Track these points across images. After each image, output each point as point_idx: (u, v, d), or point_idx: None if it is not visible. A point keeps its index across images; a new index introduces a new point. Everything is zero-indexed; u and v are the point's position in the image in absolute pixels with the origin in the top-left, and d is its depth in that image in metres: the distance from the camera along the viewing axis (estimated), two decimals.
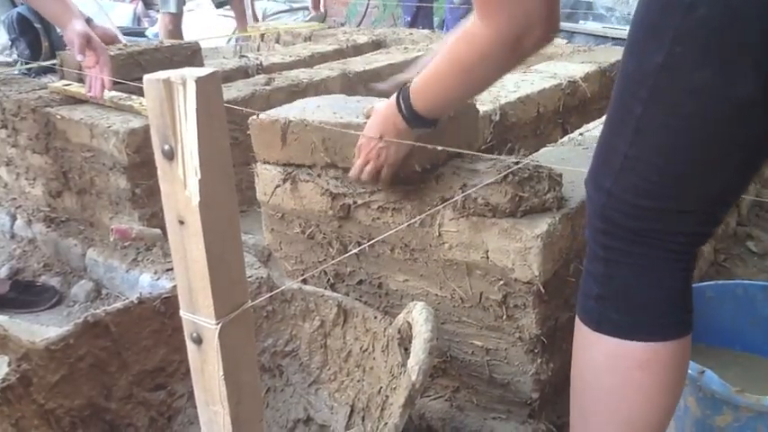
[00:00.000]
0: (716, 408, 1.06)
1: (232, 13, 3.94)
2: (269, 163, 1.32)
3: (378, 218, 1.23)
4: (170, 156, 0.49)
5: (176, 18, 3.40)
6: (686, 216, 0.79)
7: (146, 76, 0.48)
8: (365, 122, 1.13)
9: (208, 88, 0.48)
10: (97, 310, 1.14)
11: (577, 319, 0.88)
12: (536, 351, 1.16)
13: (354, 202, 1.24)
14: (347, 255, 1.29)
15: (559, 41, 2.80)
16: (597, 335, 0.84)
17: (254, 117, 1.30)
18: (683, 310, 0.83)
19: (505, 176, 1.09)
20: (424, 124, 1.03)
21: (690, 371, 1.04)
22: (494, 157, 1.18)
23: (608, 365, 0.83)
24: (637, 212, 0.80)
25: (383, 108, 1.06)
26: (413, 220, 1.16)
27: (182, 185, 0.49)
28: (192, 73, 0.47)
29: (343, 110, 1.26)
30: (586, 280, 0.86)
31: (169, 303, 1.17)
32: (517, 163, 1.11)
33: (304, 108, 1.30)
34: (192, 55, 2.18)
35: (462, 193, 1.11)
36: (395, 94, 1.04)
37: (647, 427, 0.85)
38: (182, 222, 0.51)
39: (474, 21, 0.88)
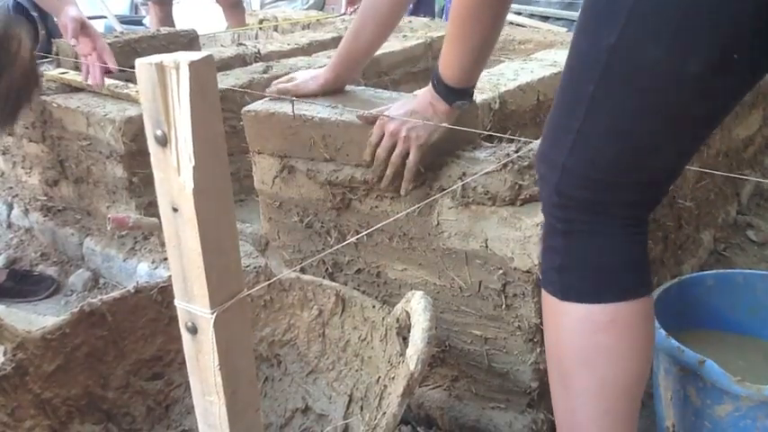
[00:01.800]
0: (716, 397, 1.05)
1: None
2: (261, 154, 1.31)
3: (376, 206, 1.22)
4: (163, 142, 0.48)
5: (166, 6, 3.35)
6: (637, 186, 0.84)
7: (138, 60, 0.47)
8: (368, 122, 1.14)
9: (202, 72, 0.46)
10: (94, 300, 1.13)
11: (544, 293, 0.91)
12: (535, 340, 1.15)
13: (354, 193, 1.23)
14: (345, 243, 1.28)
15: (559, 29, 2.78)
16: (563, 303, 0.87)
17: (249, 109, 1.29)
18: (640, 271, 0.88)
19: (505, 165, 1.08)
20: (459, 95, 1.08)
21: (689, 360, 1.04)
22: (495, 145, 1.17)
23: (576, 330, 0.87)
24: (591, 185, 0.83)
25: (419, 96, 1.13)
26: (411, 209, 1.15)
27: (175, 172, 0.48)
28: (185, 57, 0.46)
29: (342, 104, 1.24)
30: (547, 253, 0.90)
31: (166, 292, 1.16)
32: (517, 151, 1.10)
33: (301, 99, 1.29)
34: (189, 43, 2.16)
35: (461, 181, 1.11)
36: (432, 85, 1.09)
37: (622, 389, 0.88)
38: (176, 210, 0.50)
39: None
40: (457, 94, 1.07)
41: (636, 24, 0.74)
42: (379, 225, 1.19)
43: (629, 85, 0.77)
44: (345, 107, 1.22)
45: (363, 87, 1.40)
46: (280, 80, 1.36)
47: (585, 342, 0.87)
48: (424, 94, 1.11)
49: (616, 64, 0.77)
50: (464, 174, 1.12)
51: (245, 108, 1.30)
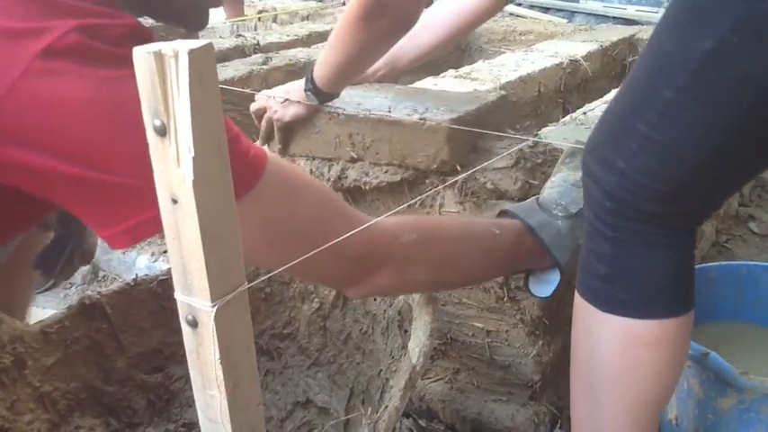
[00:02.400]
0: (720, 390, 1.05)
1: None
2: (288, 154, 1.27)
3: (377, 199, 1.22)
4: (162, 132, 0.47)
5: None
6: (698, 199, 0.79)
7: (136, 49, 0.46)
8: (401, 118, 1.14)
9: (201, 61, 0.45)
10: (93, 292, 1.12)
11: (579, 300, 0.87)
12: (537, 333, 1.15)
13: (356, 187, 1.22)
14: (346, 236, 1.27)
15: (560, 20, 2.77)
16: (605, 314, 0.83)
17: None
18: (688, 286, 0.84)
19: (517, 162, 1.07)
20: (322, 97, 1.15)
21: (692, 352, 1.03)
22: (510, 136, 1.15)
23: (617, 344, 0.83)
24: (652, 195, 0.78)
25: (297, 85, 1.21)
26: (413, 201, 1.14)
27: (175, 163, 0.47)
28: (184, 45, 0.45)
29: (366, 101, 1.21)
30: (589, 260, 0.85)
31: (166, 285, 1.15)
32: (534, 146, 1.09)
33: None
34: (187, 33, 2.15)
35: (462, 174, 1.10)
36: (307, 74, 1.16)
37: (653, 403, 0.85)
38: (175, 201, 0.49)
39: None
40: (321, 95, 1.15)
41: (744, 32, 0.67)
42: (380, 217, 1.18)
43: (721, 98, 0.72)
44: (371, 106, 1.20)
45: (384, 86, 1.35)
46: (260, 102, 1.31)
47: (625, 356, 0.83)
48: (299, 85, 1.19)
49: (709, 73, 0.71)
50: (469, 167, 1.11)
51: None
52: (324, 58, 1.11)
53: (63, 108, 0.65)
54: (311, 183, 0.82)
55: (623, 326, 0.82)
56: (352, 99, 1.22)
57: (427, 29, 1.30)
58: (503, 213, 1.04)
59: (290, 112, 1.21)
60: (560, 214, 1.00)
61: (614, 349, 0.83)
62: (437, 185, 1.13)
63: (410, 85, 1.44)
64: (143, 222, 0.68)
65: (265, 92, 1.26)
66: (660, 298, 0.82)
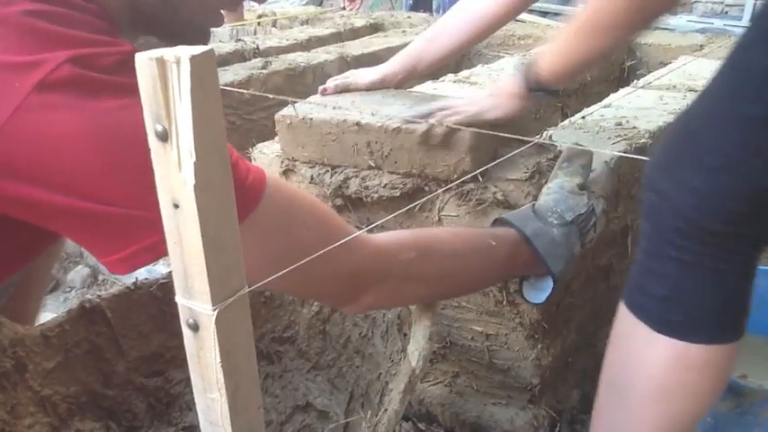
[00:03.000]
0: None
1: None
2: (298, 161, 1.25)
3: (376, 203, 1.22)
4: (164, 137, 0.47)
5: None
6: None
7: (138, 55, 0.46)
8: (419, 125, 1.10)
9: (203, 66, 0.46)
10: (93, 296, 1.13)
11: (628, 314, 0.85)
12: (536, 336, 1.15)
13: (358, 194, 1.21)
14: (345, 240, 1.27)
15: (558, 25, 2.77)
16: (656, 335, 0.82)
17: (284, 114, 1.23)
18: (744, 314, 0.83)
19: (531, 175, 1.07)
20: (544, 92, 1.06)
21: None
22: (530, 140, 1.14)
23: (663, 365, 0.82)
24: (732, 218, 0.75)
25: (499, 83, 1.12)
26: (412, 205, 1.14)
27: (176, 168, 0.48)
28: (186, 51, 0.46)
29: (384, 108, 1.18)
30: (647, 278, 0.83)
31: (166, 288, 1.15)
32: (553, 155, 1.07)
33: (337, 102, 1.23)
34: None
35: (461, 179, 1.10)
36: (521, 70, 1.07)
37: (688, 424, 0.85)
38: (176, 206, 0.49)
39: None
40: (543, 90, 1.05)
41: None
42: (379, 221, 1.18)
43: None
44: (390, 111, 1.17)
45: (400, 92, 1.33)
46: (335, 78, 1.32)
47: (671, 377, 0.82)
48: (506, 80, 1.10)
49: None
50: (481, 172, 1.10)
51: (279, 113, 1.24)
52: (557, 57, 1.02)
53: (58, 142, 0.65)
54: (310, 204, 0.82)
55: (674, 348, 0.81)
56: (370, 106, 1.19)
57: (447, 32, 1.28)
58: (498, 221, 1.04)
59: (494, 112, 1.09)
60: (555, 222, 1.01)
61: (660, 369, 0.82)
62: (438, 190, 1.13)
63: (425, 92, 1.43)
64: (141, 250, 0.69)
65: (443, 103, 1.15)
66: (716, 324, 0.81)
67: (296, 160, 1.25)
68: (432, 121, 1.08)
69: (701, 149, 0.77)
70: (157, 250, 0.68)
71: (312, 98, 1.29)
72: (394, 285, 0.88)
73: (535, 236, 0.99)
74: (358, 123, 1.14)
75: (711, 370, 0.81)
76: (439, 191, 1.13)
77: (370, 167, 1.17)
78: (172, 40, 0.85)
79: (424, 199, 1.15)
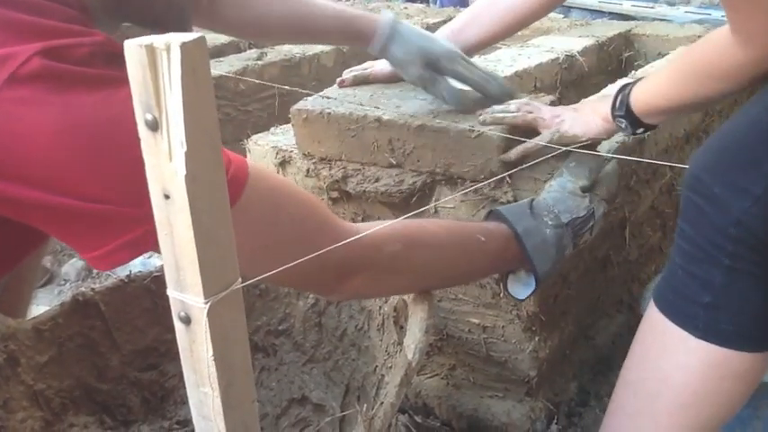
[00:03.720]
0: None
1: None
2: (313, 157, 1.22)
3: (372, 196, 1.21)
4: (154, 126, 0.46)
5: None
6: None
7: (127, 42, 0.45)
8: (448, 125, 1.06)
9: (194, 54, 0.45)
10: (86, 289, 1.12)
11: (664, 320, 0.84)
12: (534, 329, 1.14)
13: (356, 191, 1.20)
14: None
15: (556, 15, 2.76)
16: (698, 341, 0.81)
17: (300, 108, 1.19)
18: None
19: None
20: (634, 125, 0.97)
21: None
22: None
23: (701, 372, 0.81)
24: None
25: (591, 104, 1.06)
26: (421, 209, 1.13)
27: (167, 158, 0.47)
28: (176, 38, 0.45)
29: (406, 103, 1.15)
30: (690, 284, 0.82)
31: (160, 282, 1.15)
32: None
33: (355, 96, 1.20)
34: (182, 29, 2.14)
35: (465, 188, 1.09)
36: (615, 90, 0.99)
37: (715, 427, 0.84)
38: (167, 197, 0.48)
39: (725, 32, 0.78)
40: (634, 123, 0.96)
41: None
42: (366, 224, 1.17)
43: None
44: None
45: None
46: (354, 68, 1.29)
47: (707, 384, 0.81)
48: (598, 106, 1.03)
49: None
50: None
51: (295, 107, 1.21)
52: (656, 99, 0.93)
53: (31, 138, 0.63)
54: (295, 195, 0.80)
55: (717, 355, 0.80)
56: (390, 101, 1.16)
57: (477, 23, 1.24)
58: (492, 214, 1.03)
59: (582, 131, 1.03)
60: (550, 222, 0.99)
61: (698, 377, 0.81)
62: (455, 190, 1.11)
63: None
64: (121, 246, 0.68)
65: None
66: (760, 332, 0.80)
67: (312, 156, 1.22)
68: (517, 120, 1.05)
69: (759, 151, 0.75)
70: (138, 246, 0.67)
71: (328, 90, 1.27)
72: (377, 276, 0.87)
73: (527, 234, 0.97)
74: (379, 119, 1.11)
75: (749, 378, 0.81)
76: (465, 189, 1.09)
77: (390, 165, 1.14)
78: (149, 26, 0.84)
79: (446, 198, 1.13)
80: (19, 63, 0.63)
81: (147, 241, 0.66)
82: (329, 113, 1.16)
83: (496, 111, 1.07)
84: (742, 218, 0.75)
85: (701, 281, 0.80)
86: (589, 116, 1.04)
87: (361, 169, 1.17)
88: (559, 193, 1.03)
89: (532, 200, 1.03)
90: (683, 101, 0.89)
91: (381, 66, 1.26)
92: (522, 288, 1.02)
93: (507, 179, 1.07)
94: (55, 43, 0.65)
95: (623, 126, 0.99)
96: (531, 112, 1.07)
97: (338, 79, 1.28)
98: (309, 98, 1.22)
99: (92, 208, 0.65)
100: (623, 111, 0.97)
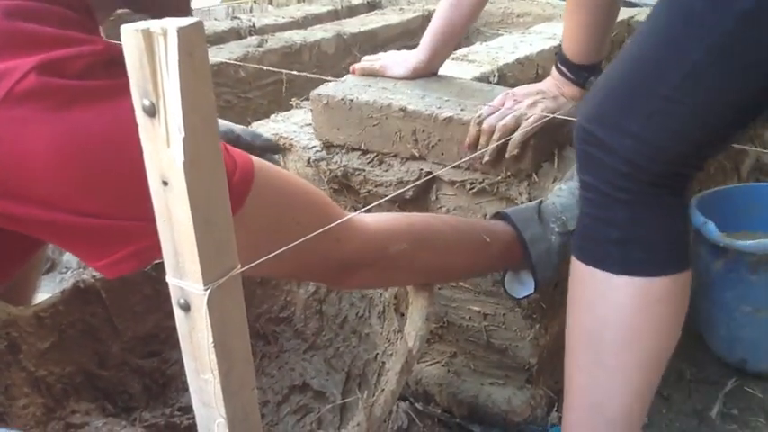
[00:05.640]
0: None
1: None
2: (332, 146, 1.20)
3: (374, 189, 1.20)
4: (151, 112, 0.46)
5: None
6: (704, 159, 0.83)
7: (123, 26, 0.45)
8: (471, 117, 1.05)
9: (191, 39, 0.44)
10: (87, 276, 1.12)
11: (584, 268, 0.87)
12: (534, 316, 1.15)
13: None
14: (342, 220, 1.26)
15: (558, 2, 2.75)
16: (620, 277, 0.84)
17: (320, 93, 1.17)
18: (689, 242, 0.87)
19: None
20: (590, 72, 1.06)
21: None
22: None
23: (633, 305, 0.84)
24: (672, 157, 0.79)
25: (545, 82, 1.11)
26: (407, 188, 1.13)
27: (164, 144, 0.46)
28: (173, 23, 0.44)
29: (430, 94, 1.12)
30: (596, 227, 0.85)
31: (161, 269, 1.14)
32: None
33: (378, 83, 1.17)
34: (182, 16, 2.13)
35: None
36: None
37: (662, 361, 0.87)
38: (165, 183, 0.48)
39: None
40: (587, 70, 1.05)
41: None
42: (375, 203, 1.17)
43: (755, 58, 0.71)
44: (445, 99, 1.11)
45: (451, 76, 1.27)
46: (367, 58, 1.27)
47: (641, 315, 0.84)
48: (550, 81, 1.09)
49: (742, 34, 0.71)
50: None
51: (315, 92, 1.18)
52: (573, 33, 1.05)
53: (31, 158, 0.62)
54: (302, 194, 0.79)
55: (640, 285, 0.83)
56: (414, 91, 1.13)
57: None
58: (498, 215, 1.03)
59: (555, 105, 1.07)
60: (557, 230, 1.00)
61: (630, 310, 0.84)
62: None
63: (470, 81, 1.35)
64: (125, 258, 0.67)
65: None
66: (674, 254, 0.84)
67: (330, 143, 1.20)
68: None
69: (637, 96, 0.79)
70: (141, 257, 0.67)
71: (348, 77, 1.24)
72: (380, 271, 0.88)
73: (533, 242, 0.98)
74: (404, 109, 1.08)
75: (675, 299, 0.85)
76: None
77: (413, 157, 1.12)
78: (148, 10, 0.82)
79: (420, 181, 1.13)
80: (15, 80, 0.61)
81: (154, 252, 0.65)
82: (351, 100, 1.13)
83: (487, 116, 1.05)
84: (629, 156, 0.79)
85: (608, 221, 0.84)
86: (556, 89, 1.10)
87: (365, 169, 1.16)
88: (568, 198, 1.03)
89: (541, 202, 1.03)
90: (597, 20, 1.02)
91: (391, 67, 1.23)
92: (519, 287, 1.03)
93: (534, 175, 1.06)
94: (52, 56, 0.63)
95: (572, 79, 1.08)
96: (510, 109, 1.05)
97: (351, 67, 1.27)
98: (330, 83, 1.19)
99: (95, 223, 0.65)
100: (575, 69, 1.07)
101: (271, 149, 1.14)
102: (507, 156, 1.03)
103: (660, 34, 0.79)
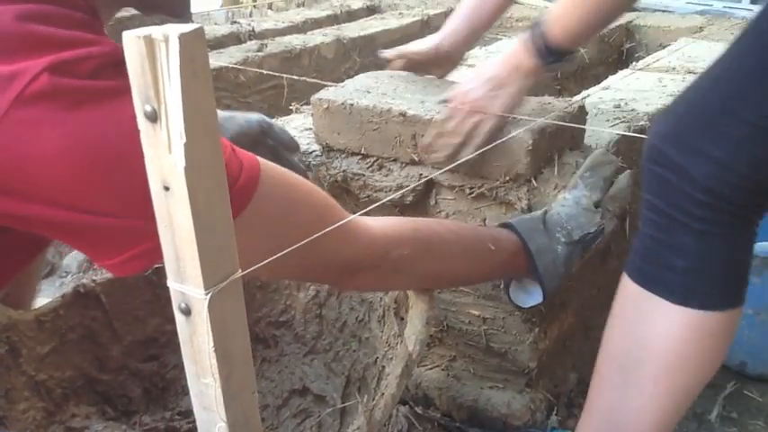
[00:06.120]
0: None
1: None
2: (332, 150, 1.20)
3: (373, 194, 1.20)
4: (153, 118, 0.46)
5: None
6: None
7: (125, 33, 0.45)
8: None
9: (192, 45, 0.45)
10: (87, 280, 1.12)
11: (638, 291, 0.85)
12: (534, 320, 1.15)
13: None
14: (341, 223, 1.26)
15: None
16: (675, 307, 0.82)
17: (320, 98, 1.17)
18: (747, 277, 0.85)
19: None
20: (558, 56, 0.98)
21: None
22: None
23: (683, 335, 0.82)
24: (755, 187, 0.75)
25: (503, 57, 1.02)
26: (407, 189, 1.13)
27: (166, 149, 0.47)
28: (175, 29, 0.45)
29: (430, 99, 1.12)
30: (659, 250, 0.83)
31: (161, 273, 1.14)
32: None
33: (378, 88, 1.18)
34: (181, 21, 2.13)
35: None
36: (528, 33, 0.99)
37: (697, 390, 0.86)
38: (167, 188, 0.48)
39: None
40: (556, 54, 0.98)
41: None
42: (374, 204, 1.17)
43: None
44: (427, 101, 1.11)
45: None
46: (389, 50, 1.26)
47: (690, 347, 0.82)
48: (510, 53, 1.01)
49: None
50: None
51: (316, 96, 1.18)
52: (565, 15, 0.97)
53: (43, 158, 0.63)
54: (306, 197, 0.79)
55: (696, 317, 0.81)
56: (413, 96, 1.14)
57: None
58: (504, 225, 1.02)
59: (499, 104, 1.01)
60: (562, 239, 0.99)
61: (680, 341, 0.82)
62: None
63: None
64: (134, 257, 0.68)
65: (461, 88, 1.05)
66: (734, 290, 0.82)
67: (330, 147, 1.20)
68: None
69: (720, 116, 0.75)
70: (150, 257, 0.68)
71: (348, 81, 1.24)
72: (382, 275, 0.88)
73: (539, 253, 0.97)
74: (404, 114, 1.08)
75: (726, 334, 0.83)
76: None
77: (413, 162, 1.12)
78: (149, 9, 0.83)
79: (420, 182, 1.13)
80: (27, 81, 0.62)
81: (162, 251, 0.66)
82: (352, 105, 1.13)
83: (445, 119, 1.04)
84: (708, 183, 0.76)
85: (674, 247, 0.81)
86: (515, 78, 1.02)
87: (364, 174, 1.16)
88: (573, 208, 1.02)
89: (545, 212, 1.02)
90: (598, 12, 0.94)
91: (420, 46, 1.22)
92: (525, 296, 1.03)
93: (534, 180, 1.06)
94: (64, 57, 0.64)
95: (556, 66, 1.00)
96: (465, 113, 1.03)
97: (381, 53, 1.25)
98: (331, 88, 1.19)
99: (106, 222, 0.65)
100: (545, 49, 0.98)
101: (293, 148, 1.14)
102: (460, 158, 1.02)
103: (752, 56, 0.75)
